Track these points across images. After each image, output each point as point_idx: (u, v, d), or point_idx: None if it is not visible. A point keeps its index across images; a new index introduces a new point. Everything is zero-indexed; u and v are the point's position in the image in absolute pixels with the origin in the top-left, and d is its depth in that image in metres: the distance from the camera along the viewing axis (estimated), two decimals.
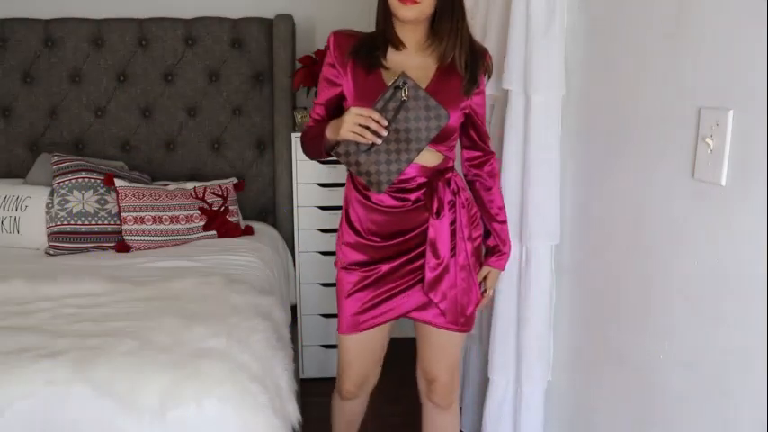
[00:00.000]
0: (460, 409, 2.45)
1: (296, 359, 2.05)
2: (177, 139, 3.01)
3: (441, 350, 1.76)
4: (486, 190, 1.75)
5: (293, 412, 1.68)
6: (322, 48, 2.89)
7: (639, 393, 1.43)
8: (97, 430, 1.47)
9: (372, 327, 1.70)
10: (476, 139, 1.72)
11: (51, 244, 2.53)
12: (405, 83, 1.51)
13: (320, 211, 2.82)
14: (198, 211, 2.69)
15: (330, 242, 2.84)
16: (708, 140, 1.16)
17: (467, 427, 2.42)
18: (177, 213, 2.65)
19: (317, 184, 2.81)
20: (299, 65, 2.96)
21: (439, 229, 1.62)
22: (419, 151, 1.54)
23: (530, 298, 1.81)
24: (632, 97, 1.44)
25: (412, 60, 1.61)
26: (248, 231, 2.79)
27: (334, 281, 2.84)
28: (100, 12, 2.98)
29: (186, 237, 2.66)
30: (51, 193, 2.62)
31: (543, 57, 1.69)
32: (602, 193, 1.59)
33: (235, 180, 2.92)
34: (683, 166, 1.25)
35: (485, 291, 1.77)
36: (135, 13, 2.98)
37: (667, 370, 1.33)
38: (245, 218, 3.02)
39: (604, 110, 1.58)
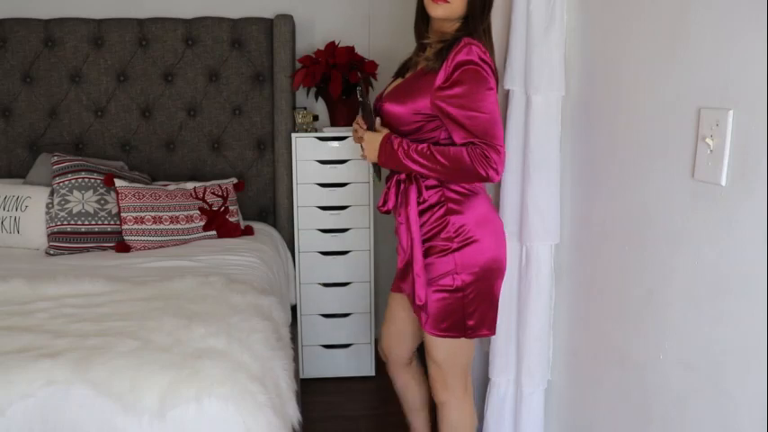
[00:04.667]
0: None
1: (296, 359, 2.05)
2: (177, 139, 3.01)
3: (426, 345, 1.79)
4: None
5: (293, 412, 1.68)
6: (322, 48, 2.89)
7: (639, 393, 1.43)
8: (97, 430, 1.47)
9: (394, 290, 1.91)
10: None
11: (51, 244, 2.53)
12: (358, 87, 1.71)
13: (320, 211, 2.82)
14: (198, 211, 2.69)
15: (330, 242, 2.85)
16: (708, 140, 1.16)
17: None
18: (177, 213, 2.65)
19: (317, 184, 2.81)
20: (299, 65, 2.96)
21: (401, 224, 1.73)
22: None
23: (530, 298, 1.81)
24: (632, 97, 1.44)
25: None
26: (248, 231, 2.79)
27: (333, 281, 2.87)
28: (100, 12, 2.98)
29: (186, 237, 2.66)
30: (51, 193, 2.62)
31: (543, 57, 1.69)
32: (603, 193, 1.59)
33: (235, 180, 2.92)
34: (683, 166, 1.25)
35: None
36: (135, 13, 2.98)
37: (667, 370, 1.33)
38: (245, 218, 3.02)
39: (604, 110, 1.58)
